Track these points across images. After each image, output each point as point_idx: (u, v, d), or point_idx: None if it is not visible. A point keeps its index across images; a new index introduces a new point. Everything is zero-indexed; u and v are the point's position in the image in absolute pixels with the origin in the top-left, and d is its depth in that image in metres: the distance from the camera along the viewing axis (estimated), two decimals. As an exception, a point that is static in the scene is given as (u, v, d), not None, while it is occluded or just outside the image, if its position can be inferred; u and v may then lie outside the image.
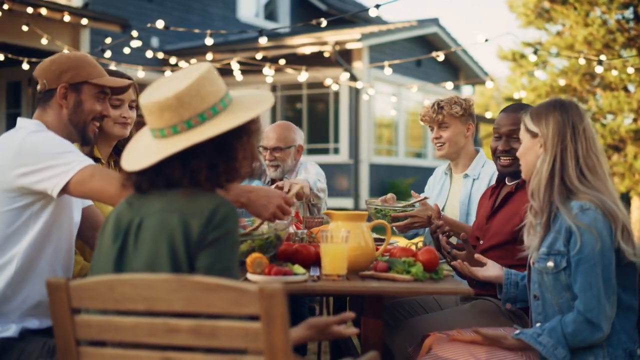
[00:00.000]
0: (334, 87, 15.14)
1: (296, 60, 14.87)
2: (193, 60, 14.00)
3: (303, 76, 12.87)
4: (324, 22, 6.06)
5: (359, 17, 21.43)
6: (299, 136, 5.00)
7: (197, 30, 9.22)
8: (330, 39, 14.78)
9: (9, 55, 9.77)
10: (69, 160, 2.74)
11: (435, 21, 17.20)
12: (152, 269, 2.16)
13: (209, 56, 13.50)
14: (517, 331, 2.81)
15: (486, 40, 7.56)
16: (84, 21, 12.77)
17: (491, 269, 3.19)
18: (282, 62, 13.90)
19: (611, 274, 2.68)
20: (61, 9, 13.07)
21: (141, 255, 2.19)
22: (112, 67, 11.44)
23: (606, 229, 2.68)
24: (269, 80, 13.83)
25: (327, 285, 2.75)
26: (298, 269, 2.81)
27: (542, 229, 2.79)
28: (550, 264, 2.76)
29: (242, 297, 1.96)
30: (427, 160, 18.80)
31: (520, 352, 2.78)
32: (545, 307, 2.84)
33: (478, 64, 19.16)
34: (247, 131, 2.33)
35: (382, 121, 17.62)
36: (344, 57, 14.94)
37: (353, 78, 14.68)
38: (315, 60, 14.58)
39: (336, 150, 16.54)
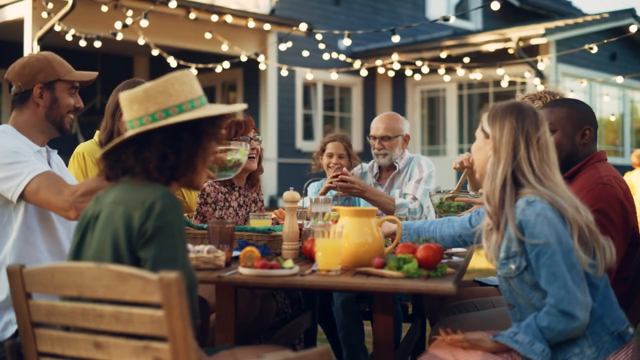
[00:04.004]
0: (521, 84, 14.76)
1: (480, 57, 14.65)
2: (378, 62, 14.16)
3: (478, 75, 12.68)
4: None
5: (556, 11, 20.73)
6: (406, 126, 5.13)
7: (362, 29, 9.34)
8: (513, 35, 14.39)
9: (181, 62, 10.34)
10: (18, 172, 3.00)
11: (630, 12, 16.24)
12: (99, 259, 2.29)
13: (395, 56, 13.65)
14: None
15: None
16: (267, 26, 13.25)
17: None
18: (466, 60, 13.76)
19: (574, 259, 2.58)
20: (246, 15, 13.63)
21: (92, 246, 2.34)
22: (283, 69, 11.81)
23: (558, 217, 2.60)
24: (447, 79, 13.72)
25: (308, 280, 2.77)
26: (287, 263, 2.85)
27: (497, 234, 2.73)
28: (512, 266, 2.69)
29: (147, 286, 2.06)
30: (625, 158, 17.79)
31: (505, 354, 2.67)
32: (522, 312, 2.76)
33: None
34: (202, 131, 2.43)
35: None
36: (529, 53, 14.49)
37: (539, 75, 14.22)
38: (501, 57, 14.26)
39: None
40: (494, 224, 2.75)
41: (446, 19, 6.41)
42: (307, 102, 16.78)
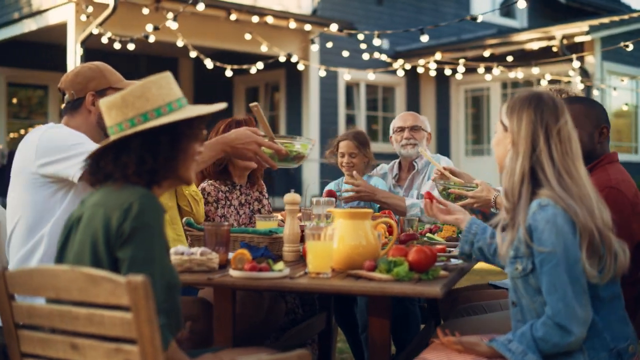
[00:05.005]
0: (566, 83, 14.55)
1: (524, 56, 14.46)
2: (421, 61, 14.09)
3: (520, 74, 12.54)
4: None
5: (603, 8, 20.41)
6: (428, 125, 5.21)
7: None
8: (557, 33, 14.18)
9: (217, 63, 10.40)
10: (83, 151, 3.07)
11: (679, 8, 15.97)
12: (79, 261, 2.33)
13: (438, 55, 13.57)
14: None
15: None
16: (307, 27, 13.26)
17: (455, 214, 3.23)
18: (509, 58, 13.62)
19: (579, 272, 2.48)
20: (287, 16, 13.67)
21: (74, 248, 2.38)
22: (321, 70, 11.81)
23: (568, 225, 2.51)
24: (489, 77, 13.59)
25: (296, 283, 2.77)
26: (278, 265, 2.85)
27: (512, 231, 2.66)
28: (518, 267, 2.62)
29: (117, 289, 2.08)
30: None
31: (499, 359, 2.62)
32: (524, 313, 2.68)
33: None
34: (181, 133, 2.45)
35: (620, 116, 16.58)
36: (574, 51, 14.26)
37: (584, 72, 14.00)
38: (545, 55, 14.08)
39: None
40: (510, 220, 2.67)
41: (474, 18, 6.36)
42: (349, 103, 16.77)
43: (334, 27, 7.98)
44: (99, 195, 2.39)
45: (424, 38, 6.71)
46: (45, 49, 14.94)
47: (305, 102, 15.32)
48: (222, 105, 2.56)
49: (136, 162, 2.36)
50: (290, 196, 3.29)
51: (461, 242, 3.16)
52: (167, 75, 2.49)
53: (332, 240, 2.87)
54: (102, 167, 2.39)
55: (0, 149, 13.05)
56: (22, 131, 16.64)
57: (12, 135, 16.63)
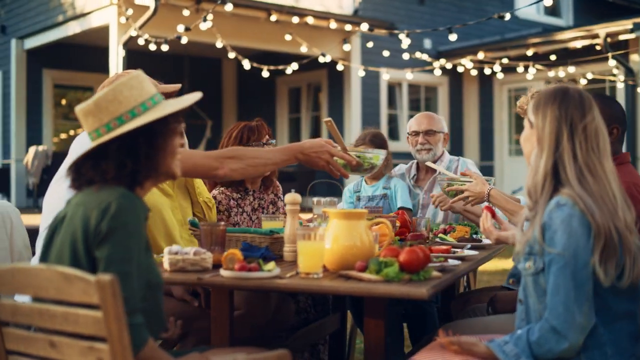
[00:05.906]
0: (610, 81, 14.33)
1: (568, 55, 14.27)
2: (464, 61, 13.99)
3: (561, 72, 12.38)
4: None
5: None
6: (445, 126, 5.15)
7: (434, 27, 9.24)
8: (600, 32, 13.96)
9: (254, 64, 10.44)
10: None
11: None
12: (59, 260, 2.37)
13: (480, 55, 13.48)
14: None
15: None
16: (348, 27, 13.26)
17: (511, 230, 3.16)
18: (552, 57, 13.47)
19: (585, 278, 2.41)
20: (327, 16, 13.68)
21: (56, 247, 2.41)
22: (360, 70, 11.78)
23: (582, 228, 2.43)
24: (530, 77, 13.45)
25: (284, 283, 2.77)
26: (268, 265, 2.85)
27: (531, 227, 2.58)
28: (530, 264, 2.55)
29: (88, 287, 2.10)
30: None
31: None
32: (529, 313, 2.62)
33: None
34: (158, 132, 2.46)
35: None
36: (619, 49, 14.01)
37: (629, 71, 13.75)
38: (588, 53, 13.89)
39: (615, 148, 15.51)
40: (532, 217, 2.61)
41: (501, 16, 6.29)
42: (392, 102, 16.72)
43: (364, 27, 7.95)
44: (81, 195, 2.42)
45: (452, 37, 6.67)
46: (89, 51, 15.19)
47: (347, 102, 15.32)
48: (197, 96, 2.56)
49: (116, 167, 2.38)
50: (291, 196, 3.29)
51: (510, 271, 3.12)
52: (138, 75, 2.50)
53: (323, 241, 2.86)
54: (83, 174, 2.42)
55: (45, 149, 13.23)
56: (72, 132, 16.91)
57: (62, 136, 16.91)
